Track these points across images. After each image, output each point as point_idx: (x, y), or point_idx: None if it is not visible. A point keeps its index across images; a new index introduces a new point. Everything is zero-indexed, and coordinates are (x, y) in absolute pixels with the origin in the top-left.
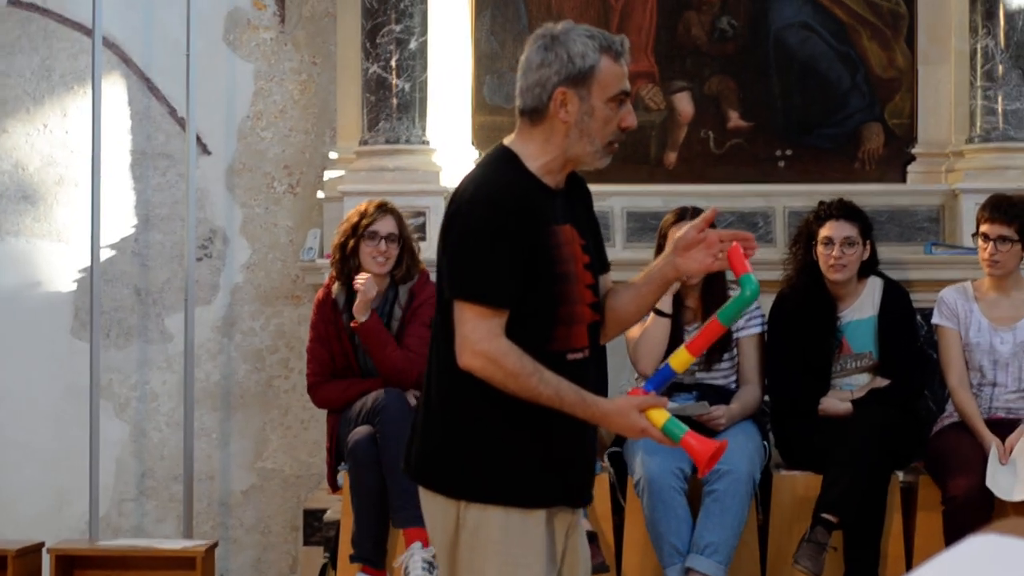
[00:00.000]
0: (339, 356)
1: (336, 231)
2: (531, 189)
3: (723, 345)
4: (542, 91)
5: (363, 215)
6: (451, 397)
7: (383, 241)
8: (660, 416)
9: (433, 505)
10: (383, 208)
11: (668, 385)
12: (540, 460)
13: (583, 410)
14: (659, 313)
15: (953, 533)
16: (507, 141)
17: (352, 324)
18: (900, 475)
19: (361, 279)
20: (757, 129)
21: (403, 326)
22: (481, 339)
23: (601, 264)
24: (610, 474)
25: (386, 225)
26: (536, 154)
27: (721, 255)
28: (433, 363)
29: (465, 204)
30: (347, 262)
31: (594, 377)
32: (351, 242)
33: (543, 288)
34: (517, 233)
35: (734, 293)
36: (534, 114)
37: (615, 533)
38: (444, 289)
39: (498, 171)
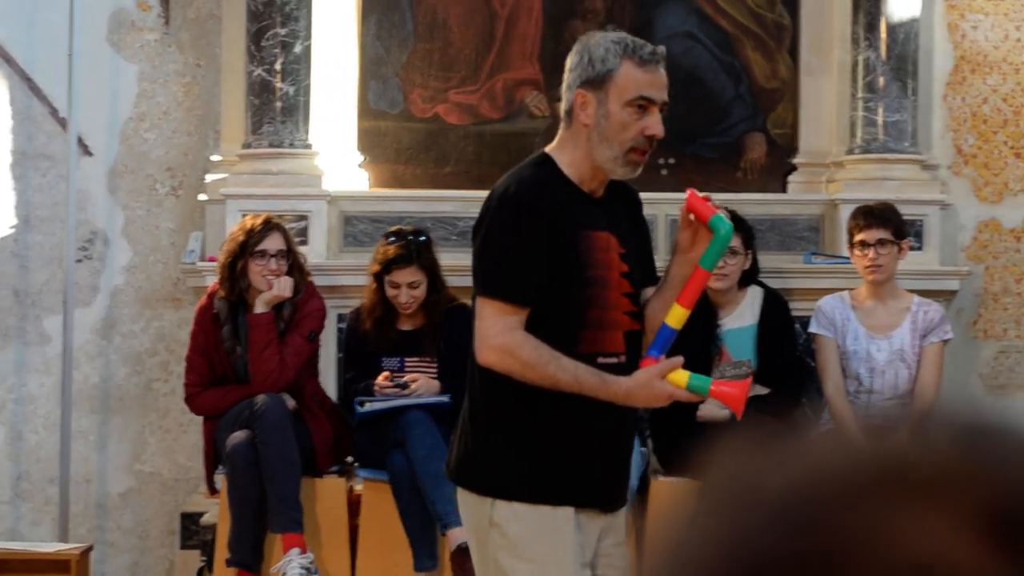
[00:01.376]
0: (218, 365)
1: (221, 248)
2: (562, 192)
3: None
4: (569, 93)
5: (250, 233)
6: (486, 399)
7: (272, 259)
8: (681, 376)
9: (467, 504)
10: (269, 225)
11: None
12: (569, 459)
13: (605, 391)
14: None
15: None
16: (548, 147)
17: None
18: None
19: (283, 283)
20: None
21: (281, 336)
22: (497, 333)
23: (645, 275)
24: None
25: (274, 242)
26: (569, 159)
27: None
28: (472, 368)
29: (494, 203)
30: (237, 282)
31: None
32: (240, 262)
33: (571, 290)
34: (542, 232)
35: None
36: (566, 117)
37: None
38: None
39: (530, 172)
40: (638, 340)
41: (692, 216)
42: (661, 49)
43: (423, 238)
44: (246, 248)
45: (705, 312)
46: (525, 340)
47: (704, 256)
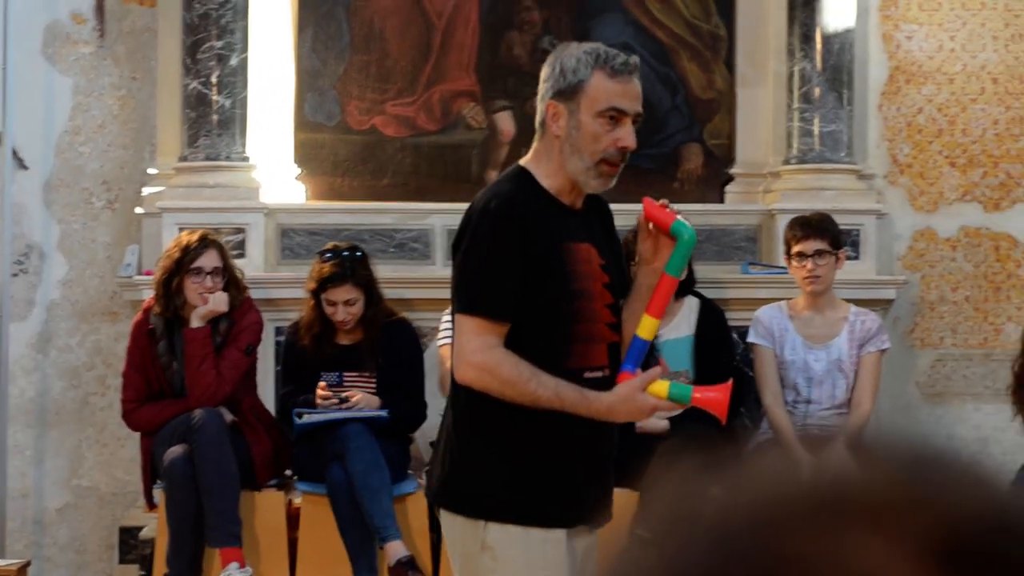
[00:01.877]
0: (154, 381)
1: (158, 264)
2: (541, 205)
3: None
4: (542, 105)
5: (186, 250)
6: (471, 419)
7: (208, 276)
8: (662, 387)
9: (454, 526)
10: (205, 241)
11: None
12: (559, 480)
13: (586, 407)
14: None
15: None
16: (523, 160)
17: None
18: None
19: (218, 298)
20: None
21: (218, 350)
22: (475, 350)
23: (622, 287)
24: (428, 491)
25: (210, 259)
26: (545, 171)
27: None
28: (453, 385)
29: (474, 218)
30: (172, 299)
31: None
32: (176, 279)
33: (558, 304)
34: (521, 247)
35: None
36: (540, 129)
37: (433, 551)
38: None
39: (508, 186)
40: (619, 352)
41: (651, 225)
42: (634, 59)
43: (358, 254)
44: (182, 265)
45: None
46: (505, 357)
47: (669, 263)
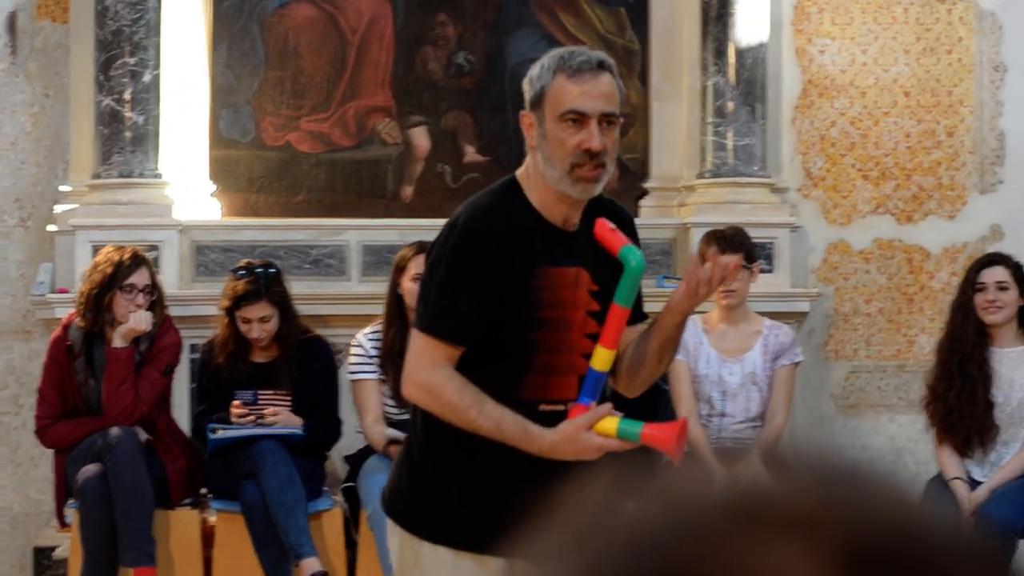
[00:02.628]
0: (70, 398)
1: (85, 278)
2: (524, 223)
3: None
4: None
5: (118, 266)
6: (423, 437)
7: (140, 294)
8: (611, 424)
9: (394, 535)
10: (137, 259)
11: (603, 388)
12: (500, 508)
13: (527, 443)
14: None
15: None
16: (519, 170)
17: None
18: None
19: (140, 317)
20: (493, 163)
21: (137, 369)
22: (421, 368)
23: (635, 312)
24: (344, 509)
25: (142, 277)
26: (532, 185)
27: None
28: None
29: (445, 232)
30: (101, 314)
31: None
32: (107, 295)
33: (520, 333)
34: (486, 269)
35: None
36: (526, 142)
37: (348, 568)
38: None
39: (489, 201)
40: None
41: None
42: (597, 57)
43: (272, 271)
44: (115, 281)
45: None
46: (449, 380)
47: (618, 292)
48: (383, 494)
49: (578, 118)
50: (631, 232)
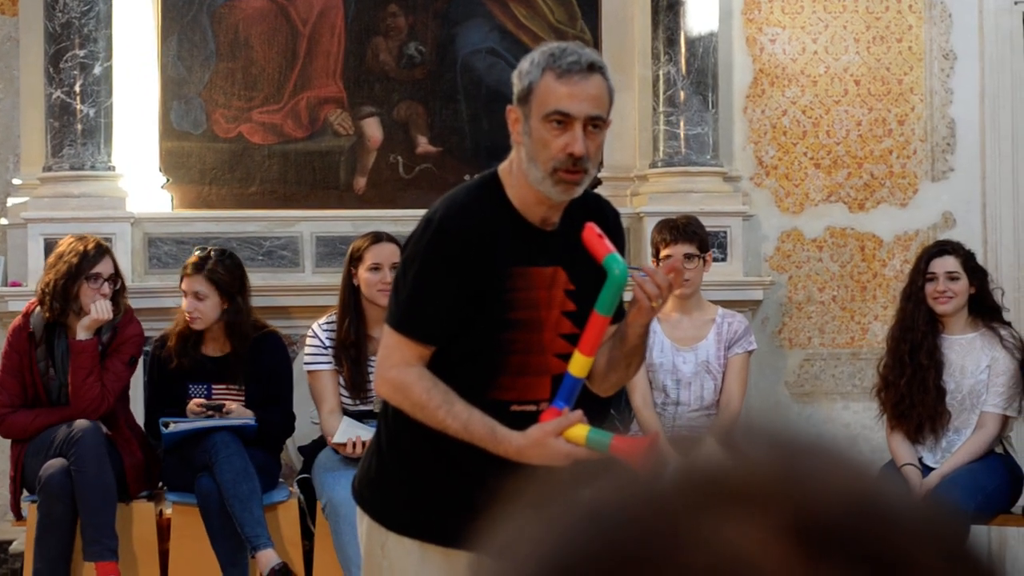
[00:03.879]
0: (29, 387)
1: (49, 268)
2: (500, 221)
3: None
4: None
5: (83, 256)
6: (392, 430)
7: (105, 283)
8: (580, 432)
9: (363, 523)
10: (101, 248)
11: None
12: (469, 502)
13: (494, 446)
14: None
15: None
16: (501, 165)
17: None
18: None
19: (101, 306)
20: (446, 154)
21: (101, 361)
22: (392, 366)
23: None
24: (300, 500)
25: (107, 266)
26: (513, 182)
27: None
28: None
29: (420, 228)
30: (67, 304)
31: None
32: (75, 285)
33: (491, 333)
34: (458, 267)
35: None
36: (511, 136)
37: (306, 558)
38: None
39: (466, 197)
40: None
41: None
42: (588, 58)
43: (225, 255)
44: (81, 270)
45: None
46: (418, 379)
47: (599, 300)
48: (353, 481)
49: (563, 119)
50: (616, 226)
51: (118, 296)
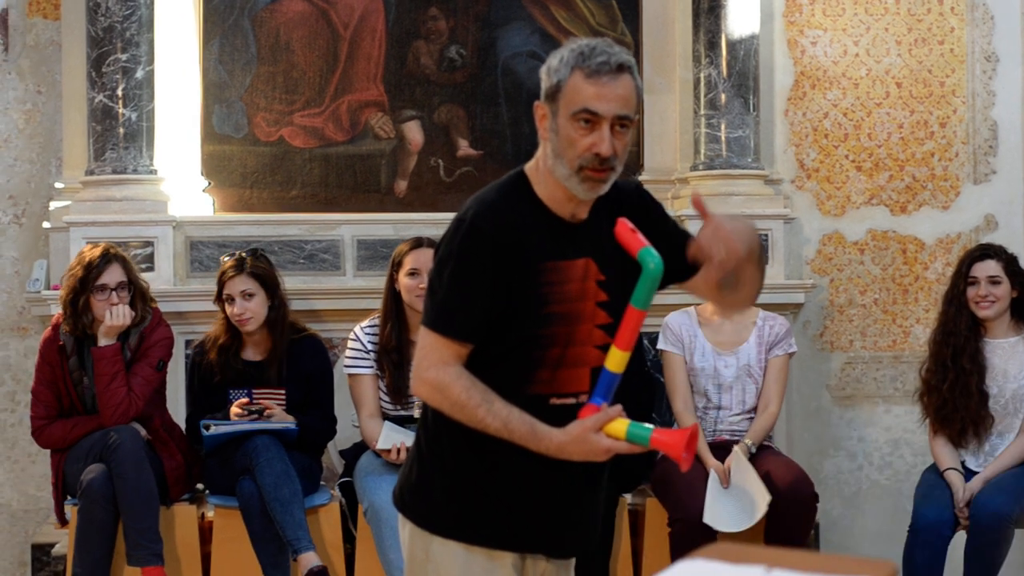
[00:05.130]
0: (64, 397)
1: (64, 280)
2: (529, 218)
3: None
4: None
5: (88, 267)
6: (434, 433)
7: (113, 292)
8: (620, 426)
9: (405, 530)
10: (107, 256)
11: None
12: (512, 504)
13: (535, 443)
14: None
15: (679, 555)
16: (528, 164)
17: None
18: (628, 498)
19: (117, 311)
20: (486, 157)
21: (129, 366)
22: (430, 366)
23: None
24: (341, 503)
25: (114, 275)
26: (541, 179)
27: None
28: None
29: (452, 228)
30: (80, 318)
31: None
32: (82, 298)
33: (529, 328)
34: (492, 265)
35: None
36: (537, 133)
37: (347, 562)
38: None
39: (495, 196)
40: None
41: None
42: (618, 58)
43: (258, 252)
44: (86, 283)
45: None
46: (457, 378)
47: (635, 294)
48: (394, 490)
49: (591, 119)
50: (642, 203)
51: (136, 301)
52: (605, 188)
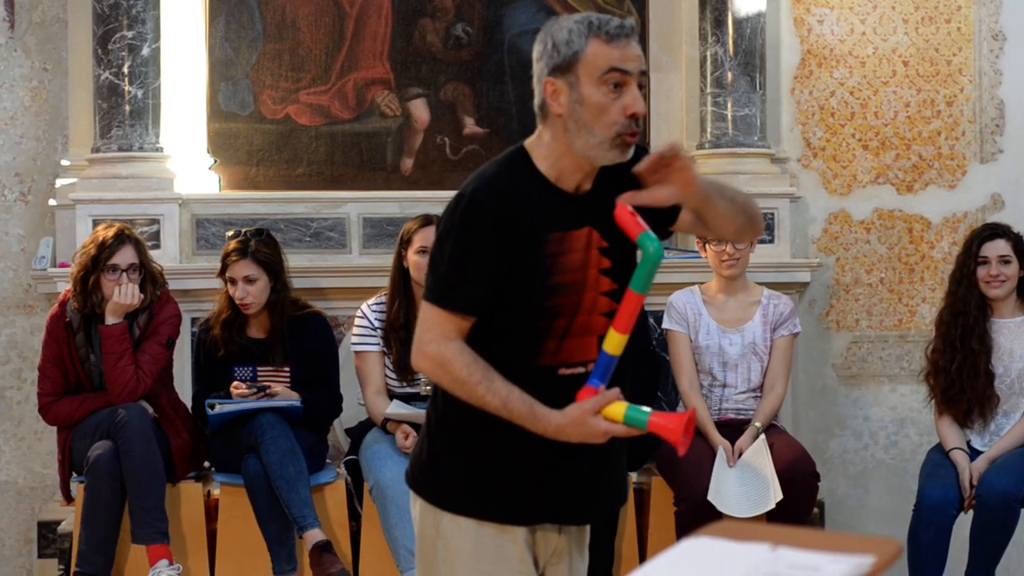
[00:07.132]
0: (71, 374)
1: (74, 259)
2: (532, 191)
3: None
4: (539, 86)
5: (101, 246)
6: (443, 409)
7: (124, 274)
8: (618, 409)
9: (415, 507)
10: (121, 237)
11: (612, 372)
12: (519, 477)
13: (533, 424)
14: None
15: (684, 534)
16: (527, 140)
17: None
18: (634, 477)
19: (126, 290)
20: (492, 135)
21: (137, 344)
22: (431, 341)
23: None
24: (347, 481)
25: (126, 256)
26: (545, 154)
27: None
28: None
29: (453, 203)
30: (89, 296)
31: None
32: (92, 277)
33: (534, 300)
34: (495, 239)
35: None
36: (541, 111)
37: (352, 539)
38: None
39: (496, 170)
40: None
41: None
42: (629, 22)
43: (263, 235)
44: (98, 262)
45: None
46: (459, 354)
47: (634, 278)
48: (406, 469)
49: (621, 80)
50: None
51: (145, 284)
52: (632, 151)
